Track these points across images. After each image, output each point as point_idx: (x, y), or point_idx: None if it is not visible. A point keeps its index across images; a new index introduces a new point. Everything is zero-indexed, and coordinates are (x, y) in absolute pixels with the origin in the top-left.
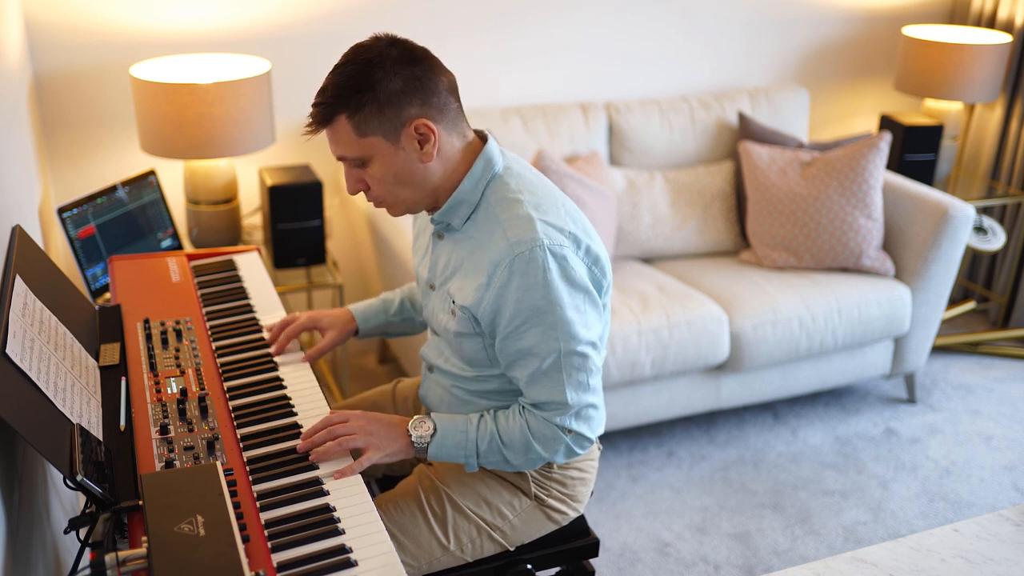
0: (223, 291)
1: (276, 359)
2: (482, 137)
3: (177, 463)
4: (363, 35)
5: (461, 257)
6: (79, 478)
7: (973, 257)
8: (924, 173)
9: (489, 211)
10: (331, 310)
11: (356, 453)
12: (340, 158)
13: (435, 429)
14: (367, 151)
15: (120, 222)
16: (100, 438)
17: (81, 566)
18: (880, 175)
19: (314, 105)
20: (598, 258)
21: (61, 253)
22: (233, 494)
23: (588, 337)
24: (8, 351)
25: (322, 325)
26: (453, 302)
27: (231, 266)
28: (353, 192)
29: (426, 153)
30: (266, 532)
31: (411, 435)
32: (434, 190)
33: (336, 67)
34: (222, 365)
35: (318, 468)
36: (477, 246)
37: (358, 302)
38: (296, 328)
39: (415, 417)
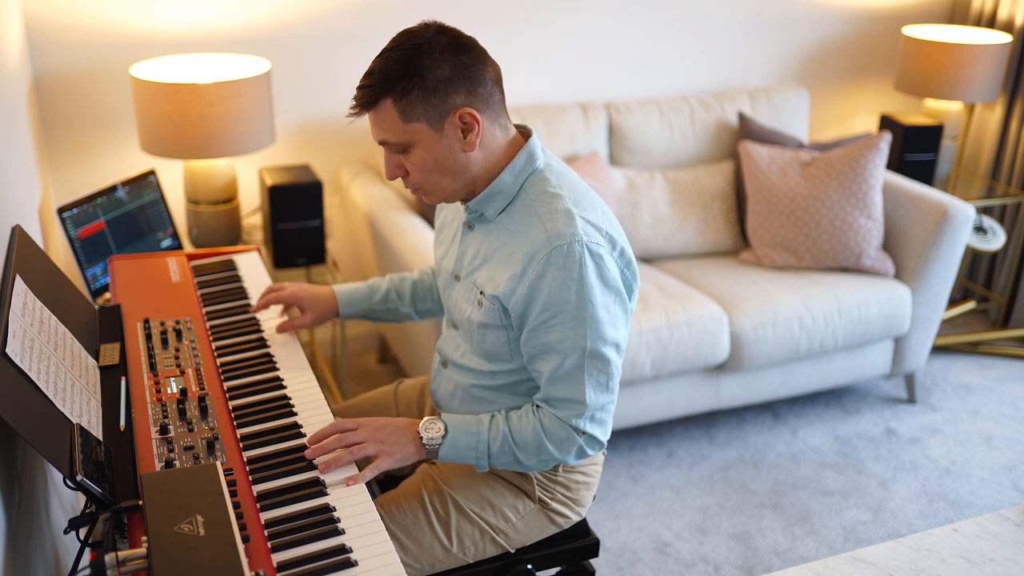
0: (223, 291)
1: (278, 364)
2: (524, 133)
3: (177, 463)
4: (363, 35)
5: (493, 247)
6: (79, 478)
7: (973, 257)
8: (924, 173)
9: (527, 203)
10: (316, 288)
11: (364, 461)
12: (382, 142)
13: (446, 430)
14: (410, 137)
15: (120, 222)
16: (100, 438)
17: (81, 566)
18: (880, 175)
19: (359, 88)
20: (630, 261)
21: (61, 253)
22: (233, 494)
23: (614, 339)
24: (8, 351)
25: (303, 304)
26: (481, 292)
27: (231, 266)
28: (391, 177)
29: (468, 142)
30: (266, 532)
31: (422, 437)
32: (473, 180)
33: (384, 51)
34: (222, 365)
35: (318, 468)
36: (511, 237)
37: (346, 284)
38: (277, 298)
39: (425, 419)
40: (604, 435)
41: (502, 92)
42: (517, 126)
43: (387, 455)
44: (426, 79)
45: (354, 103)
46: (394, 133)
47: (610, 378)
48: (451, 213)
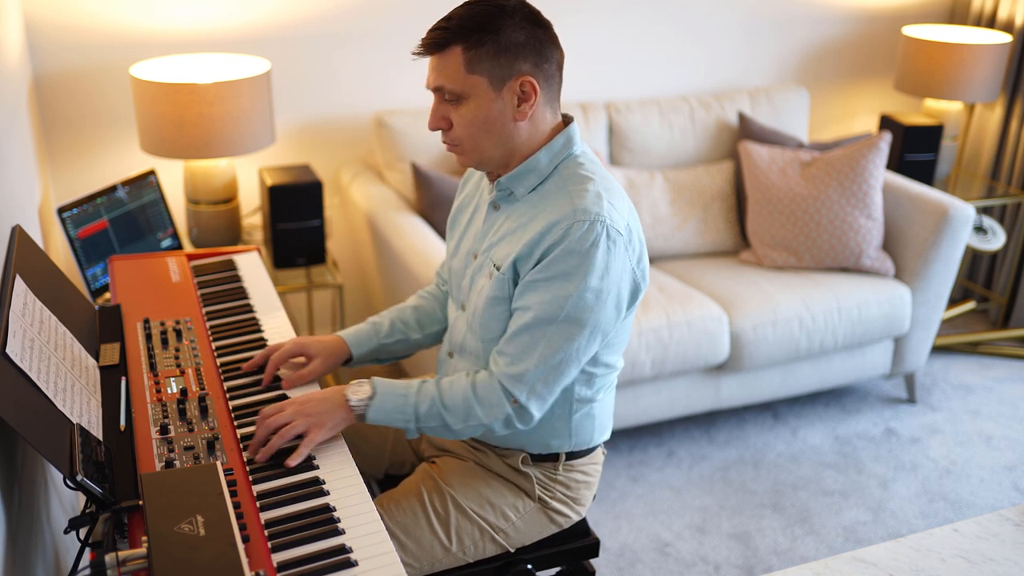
0: (223, 291)
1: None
2: (564, 120)
3: (177, 463)
4: (363, 35)
5: (517, 223)
6: (79, 478)
7: (973, 257)
8: (924, 173)
9: (560, 183)
10: (320, 336)
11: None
12: (436, 89)
13: (374, 392)
14: (468, 89)
15: (120, 222)
16: (100, 438)
17: (81, 566)
18: (880, 175)
19: (433, 29)
20: (642, 257)
21: (61, 253)
22: (233, 494)
23: (591, 326)
24: (8, 351)
25: (309, 352)
26: (495, 266)
27: (231, 266)
28: (433, 127)
29: (521, 111)
30: (266, 532)
31: (349, 400)
32: (512, 152)
33: (466, 3)
34: (222, 365)
35: (318, 468)
36: (538, 213)
37: (345, 329)
38: (281, 356)
39: (353, 381)
40: (539, 412)
41: (561, 77)
42: (563, 114)
43: (317, 427)
44: (501, 38)
45: (422, 44)
46: (453, 81)
47: (566, 363)
48: (470, 196)
